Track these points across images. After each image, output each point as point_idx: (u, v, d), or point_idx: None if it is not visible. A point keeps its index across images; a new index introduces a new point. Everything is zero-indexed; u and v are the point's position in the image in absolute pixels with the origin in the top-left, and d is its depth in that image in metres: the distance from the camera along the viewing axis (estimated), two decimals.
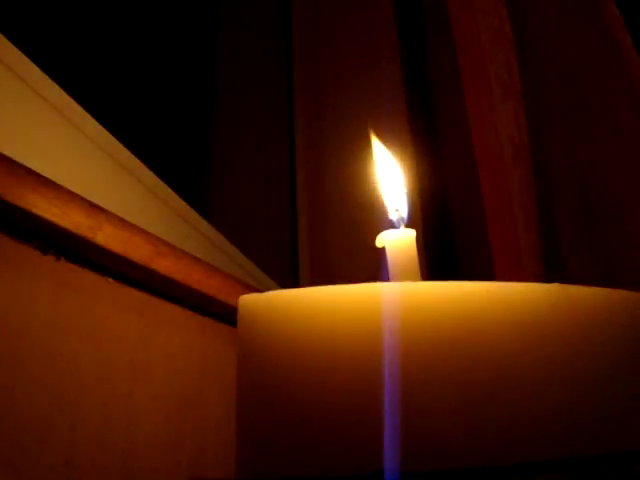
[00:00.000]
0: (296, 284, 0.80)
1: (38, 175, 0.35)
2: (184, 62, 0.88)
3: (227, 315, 0.50)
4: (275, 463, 0.26)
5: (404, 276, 0.31)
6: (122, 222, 0.40)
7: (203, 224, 0.66)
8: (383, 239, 0.32)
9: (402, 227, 0.33)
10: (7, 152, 0.33)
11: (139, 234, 0.42)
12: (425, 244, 0.74)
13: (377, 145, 0.35)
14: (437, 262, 0.74)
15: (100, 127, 0.51)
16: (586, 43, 0.71)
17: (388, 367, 0.25)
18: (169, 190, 0.60)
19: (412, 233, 0.32)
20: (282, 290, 0.29)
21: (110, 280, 0.41)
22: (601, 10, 0.71)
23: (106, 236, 0.38)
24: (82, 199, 0.37)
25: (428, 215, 0.76)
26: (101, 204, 0.39)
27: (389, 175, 0.35)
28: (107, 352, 0.40)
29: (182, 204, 0.62)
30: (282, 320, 0.27)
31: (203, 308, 0.50)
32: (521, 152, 0.69)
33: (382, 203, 0.34)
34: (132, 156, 0.55)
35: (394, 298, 0.27)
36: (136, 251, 0.41)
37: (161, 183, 0.59)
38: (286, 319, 0.27)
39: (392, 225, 0.34)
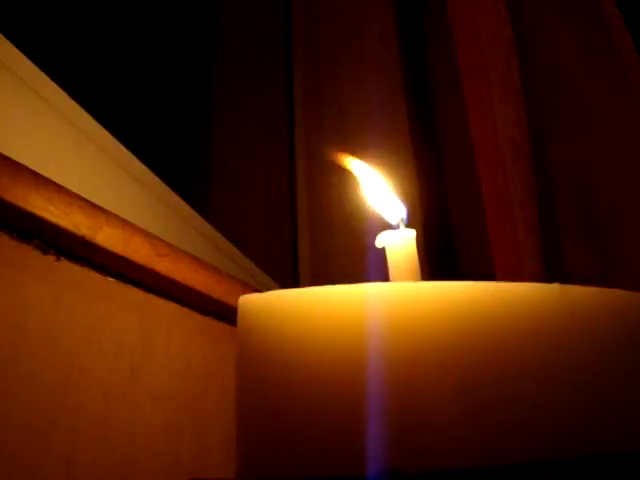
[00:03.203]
0: (296, 284, 0.80)
1: (38, 175, 0.35)
2: (184, 62, 0.88)
3: (227, 315, 0.50)
4: (275, 463, 0.26)
5: (404, 276, 0.31)
6: (122, 222, 0.40)
7: (203, 224, 0.66)
8: (383, 239, 0.32)
9: (402, 227, 0.33)
10: (7, 152, 0.33)
11: (139, 234, 0.42)
12: (425, 244, 0.74)
13: (360, 167, 0.35)
14: (437, 262, 0.74)
15: (100, 127, 0.51)
16: (586, 43, 0.71)
17: (387, 367, 0.25)
18: (169, 190, 0.60)
19: (412, 233, 0.32)
20: (282, 290, 0.29)
21: (110, 280, 0.41)
22: (601, 10, 0.71)
23: (106, 236, 0.38)
24: (82, 199, 0.37)
25: (428, 215, 0.76)
26: (101, 204, 0.39)
27: (376, 192, 0.35)
28: (107, 352, 0.40)
29: (182, 204, 0.62)
30: (282, 320, 0.27)
31: (203, 308, 0.50)
32: (521, 152, 0.69)
33: (377, 209, 0.35)
34: (132, 156, 0.55)
35: (395, 298, 0.27)
36: (136, 251, 0.41)
37: (161, 183, 0.59)
38: (286, 319, 0.27)
39: (392, 226, 0.34)
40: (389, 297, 0.27)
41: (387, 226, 0.33)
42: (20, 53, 0.43)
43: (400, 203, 0.34)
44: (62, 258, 0.38)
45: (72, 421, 0.36)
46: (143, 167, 0.56)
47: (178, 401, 0.46)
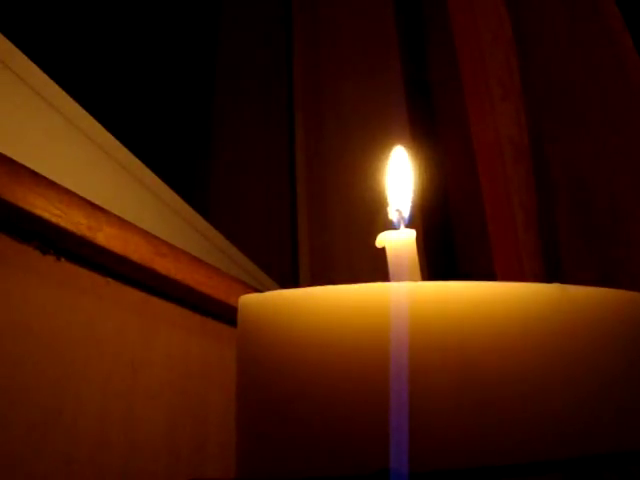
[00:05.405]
0: (296, 284, 0.80)
1: (38, 175, 0.35)
2: (185, 62, 0.88)
3: (227, 315, 0.50)
4: (275, 463, 0.26)
5: (404, 276, 0.31)
6: (122, 222, 0.40)
7: (203, 224, 0.66)
8: (383, 239, 0.32)
9: (402, 227, 0.33)
10: (7, 152, 0.33)
11: (139, 234, 0.42)
12: (425, 244, 0.74)
13: (396, 149, 0.35)
14: (437, 262, 0.74)
15: (100, 127, 0.51)
16: (586, 43, 0.71)
17: (392, 367, 0.25)
18: (169, 190, 0.60)
19: (412, 233, 0.32)
20: (282, 290, 0.29)
21: (110, 280, 0.41)
22: (601, 10, 0.71)
23: (106, 236, 0.38)
24: (82, 199, 0.37)
25: (428, 215, 0.76)
26: (101, 204, 0.39)
27: (399, 177, 0.35)
28: (107, 352, 0.40)
29: (182, 204, 0.62)
30: (282, 320, 0.27)
31: (203, 308, 0.50)
32: (521, 152, 0.69)
33: (385, 203, 0.34)
34: (132, 156, 0.55)
35: (394, 298, 0.27)
36: (136, 251, 0.41)
37: (161, 183, 0.59)
38: (286, 319, 0.27)
39: (392, 225, 0.33)
40: (389, 297, 0.27)
41: (388, 226, 0.33)
42: (20, 53, 0.43)
43: (409, 199, 0.34)
44: (62, 258, 0.38)
45: (72, 421, 0.36)
46: (143, 167, 0.56)
47: (178, 401, 0.46)
